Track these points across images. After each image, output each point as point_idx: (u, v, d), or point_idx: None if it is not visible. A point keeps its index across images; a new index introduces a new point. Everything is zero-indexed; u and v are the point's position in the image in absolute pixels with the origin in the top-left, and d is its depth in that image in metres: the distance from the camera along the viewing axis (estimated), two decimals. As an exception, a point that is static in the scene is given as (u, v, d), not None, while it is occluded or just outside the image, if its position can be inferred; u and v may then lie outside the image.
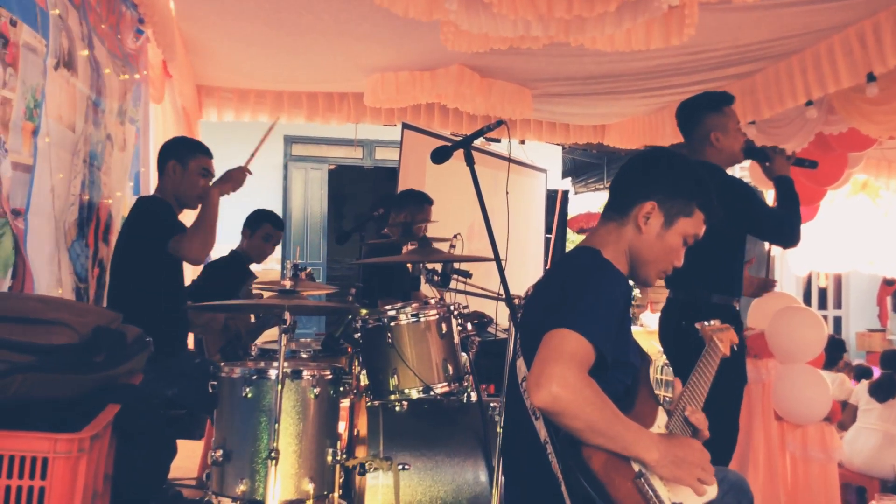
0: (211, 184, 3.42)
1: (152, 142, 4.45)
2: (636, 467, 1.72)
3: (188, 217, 3.39)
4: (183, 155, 3.48)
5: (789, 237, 3.35)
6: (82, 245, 2.93)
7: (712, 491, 1.84)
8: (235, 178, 3.45)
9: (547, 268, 8.23)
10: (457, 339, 3.13)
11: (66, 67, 2.68)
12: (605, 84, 5.40)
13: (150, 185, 4.27)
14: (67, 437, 2.02)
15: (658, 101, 5.90)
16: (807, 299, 11.64)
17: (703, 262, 3.33)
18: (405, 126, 6.23)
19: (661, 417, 1.91)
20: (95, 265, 3.11)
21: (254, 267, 4.79)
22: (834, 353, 6.38)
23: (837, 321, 12.44)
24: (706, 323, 2.26)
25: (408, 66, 5.32)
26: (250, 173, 3.55)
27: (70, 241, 2.87)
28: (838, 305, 12.57)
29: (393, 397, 3.01)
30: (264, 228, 4.65)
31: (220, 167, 3.52)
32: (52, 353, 2.17)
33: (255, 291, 4.40)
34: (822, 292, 12.40)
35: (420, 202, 4.94)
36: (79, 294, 3.01)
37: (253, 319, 4.32)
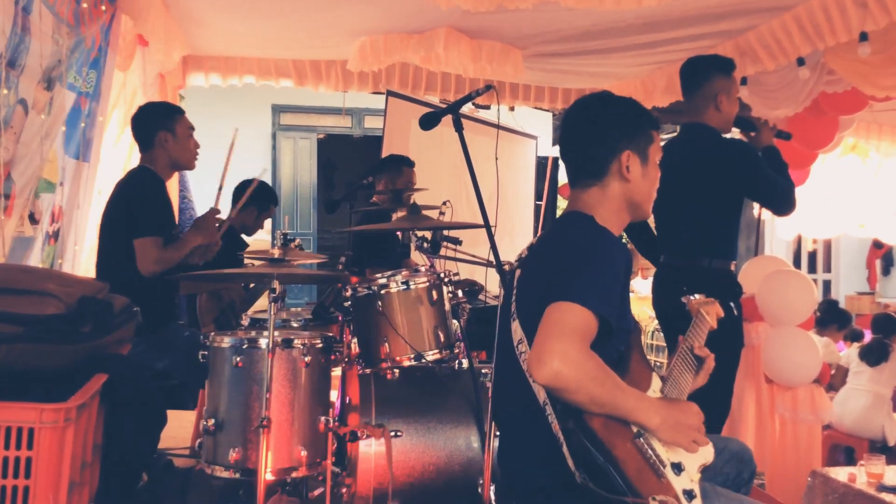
0: (188, 232, 3.40)
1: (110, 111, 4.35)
2: (634, 427, 1.73)
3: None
4: (168, 123, 3.51)
5: (790, 206, 3.39)
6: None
7: (709, 453, 1.85)
8: (208, 229, 3.42)
9: (538, 234, 8.21)
10: (447, 307, 3.12)
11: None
12: (596, 40, 5.31)
13: (102, 154, 4.19)
14: (53, 407, 2.01)
15: (648, 61, 5.81)
16: (796, 262, 11.68)
17: (701, 228, 3.34)
18: (390, 93, 6.15)
19: (656, 382, 1.93)
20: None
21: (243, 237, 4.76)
22: (833, 321, 6.38)
23: (827, 284, 12.50)
24: (692, 297, 2.26)
25: (395, 29, 5.24)
26: (220, 211, 3.53)
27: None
28: (828, 269, 12.62)
29: (384, 365, 3.00)
30: (258, 206, 4.66)
31: (206, 137, 3.48)
32: (39, 324, 2.16)
33: (245, 261, 4.38)
34: (812, 256, 12.44)
35: (398, 165, 4.89)
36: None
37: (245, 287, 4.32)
